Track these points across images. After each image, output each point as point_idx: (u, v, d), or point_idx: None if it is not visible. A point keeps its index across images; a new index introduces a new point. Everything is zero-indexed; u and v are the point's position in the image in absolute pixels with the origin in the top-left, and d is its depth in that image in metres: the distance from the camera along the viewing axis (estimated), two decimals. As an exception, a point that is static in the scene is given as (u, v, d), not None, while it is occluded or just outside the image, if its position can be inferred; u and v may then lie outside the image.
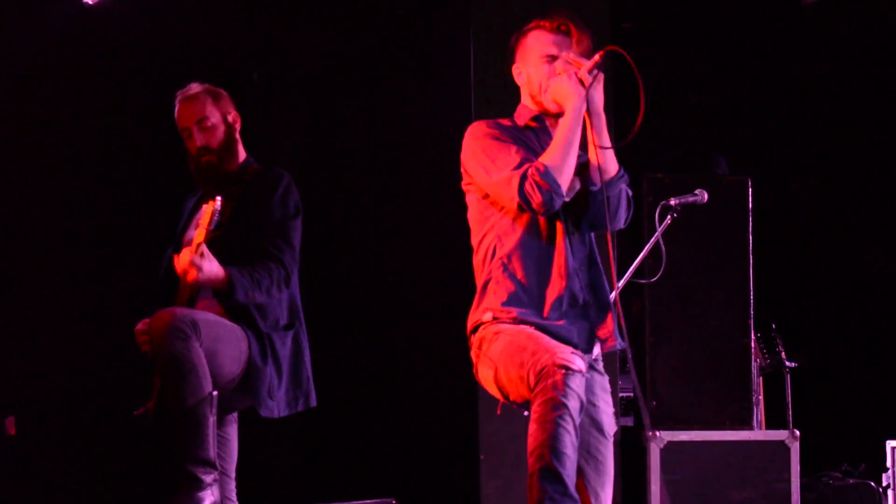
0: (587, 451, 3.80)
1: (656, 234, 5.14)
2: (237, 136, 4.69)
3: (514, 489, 5.49)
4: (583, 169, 3.86)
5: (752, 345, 6.36)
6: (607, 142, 3.85)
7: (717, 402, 6.18)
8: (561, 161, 3.76)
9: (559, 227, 3.87)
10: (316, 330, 4.79)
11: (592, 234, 3.98)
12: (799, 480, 5.97)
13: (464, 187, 4.01)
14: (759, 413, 6.67)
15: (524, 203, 3.76)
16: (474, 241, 3.98)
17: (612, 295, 3.96)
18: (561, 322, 3.83)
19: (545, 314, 3.84)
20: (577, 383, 3.54)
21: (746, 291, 6.26)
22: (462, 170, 3.98)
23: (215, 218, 4.27)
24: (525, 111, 4.01)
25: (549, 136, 3.92)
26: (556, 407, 3.51)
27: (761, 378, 6.87)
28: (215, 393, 4.21)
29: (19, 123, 6.17)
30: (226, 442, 4.60)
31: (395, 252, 6.25)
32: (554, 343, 3.71)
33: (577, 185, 3.87)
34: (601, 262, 3.99)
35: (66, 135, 6.24)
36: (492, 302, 3.87)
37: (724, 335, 6.24)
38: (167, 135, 4.75)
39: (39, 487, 6.09)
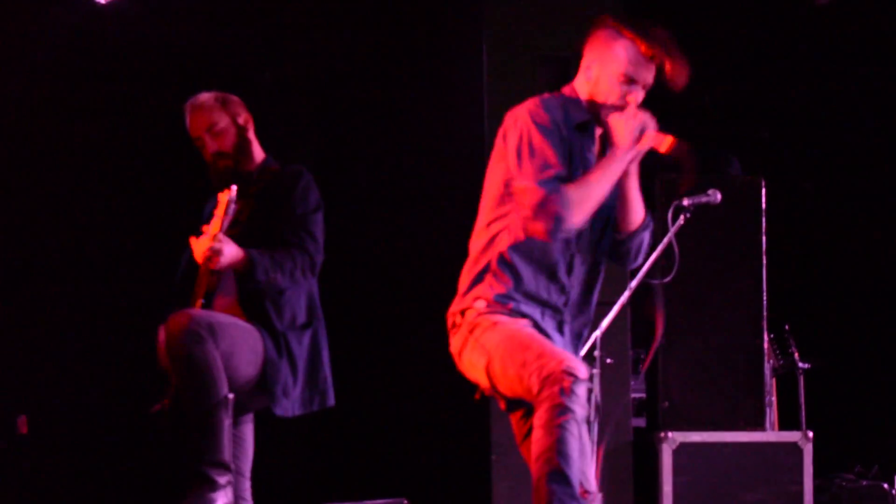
0: None
1: (669, 234, 5.10)
2: (250, 136, 4.68)
3: (526, 489, 5.42)
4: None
5: (765, 346, 6.34)
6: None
7: (730, 403, 6.15)
8: (587, 200, 3.72)
9: (571, 241, 3.86)
10: (329, 330, 4.79)
11: (602, 261, 3.97)
12: (812, 482, 5.96)
13: (493, 155, 3.91)
14: (771, 414, 6.65)
15: (534, 221, 3.72)
16: (481, 222, 3.91)
17: (625, 296, 3.97)
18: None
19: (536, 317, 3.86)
20: (582, 391, 3.57)
21: (759, 292, 6.24)
22: (501, 135, 3.87)
23: (231, 206, 4.27)
24: (579, 109, 3.88)
25: (593, 142, 3.88)
26: (563, 412, 3.54)
27: (774, 379, 6.84)
28: (231, 396, 4.21)
29: (33, 123, 6.18)
30: (241, 441, 4.61)
31: (407, 253, 6.24)
32: (559, 349, 3.74)
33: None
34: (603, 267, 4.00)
35: (84, 134, 6.25)
36: (485, 292, 3.85)
37: (737, 336, 6.21)
38: (184, 135, 4.75)
39: (51, 486, 6.09)
